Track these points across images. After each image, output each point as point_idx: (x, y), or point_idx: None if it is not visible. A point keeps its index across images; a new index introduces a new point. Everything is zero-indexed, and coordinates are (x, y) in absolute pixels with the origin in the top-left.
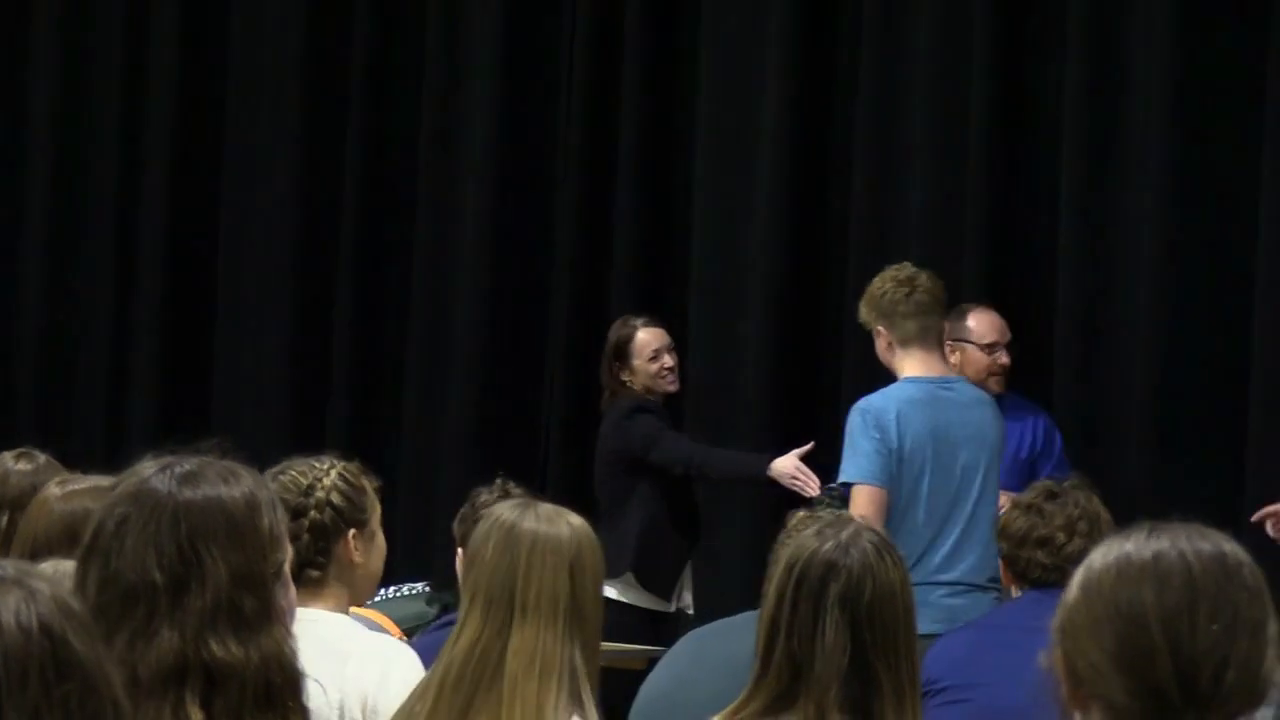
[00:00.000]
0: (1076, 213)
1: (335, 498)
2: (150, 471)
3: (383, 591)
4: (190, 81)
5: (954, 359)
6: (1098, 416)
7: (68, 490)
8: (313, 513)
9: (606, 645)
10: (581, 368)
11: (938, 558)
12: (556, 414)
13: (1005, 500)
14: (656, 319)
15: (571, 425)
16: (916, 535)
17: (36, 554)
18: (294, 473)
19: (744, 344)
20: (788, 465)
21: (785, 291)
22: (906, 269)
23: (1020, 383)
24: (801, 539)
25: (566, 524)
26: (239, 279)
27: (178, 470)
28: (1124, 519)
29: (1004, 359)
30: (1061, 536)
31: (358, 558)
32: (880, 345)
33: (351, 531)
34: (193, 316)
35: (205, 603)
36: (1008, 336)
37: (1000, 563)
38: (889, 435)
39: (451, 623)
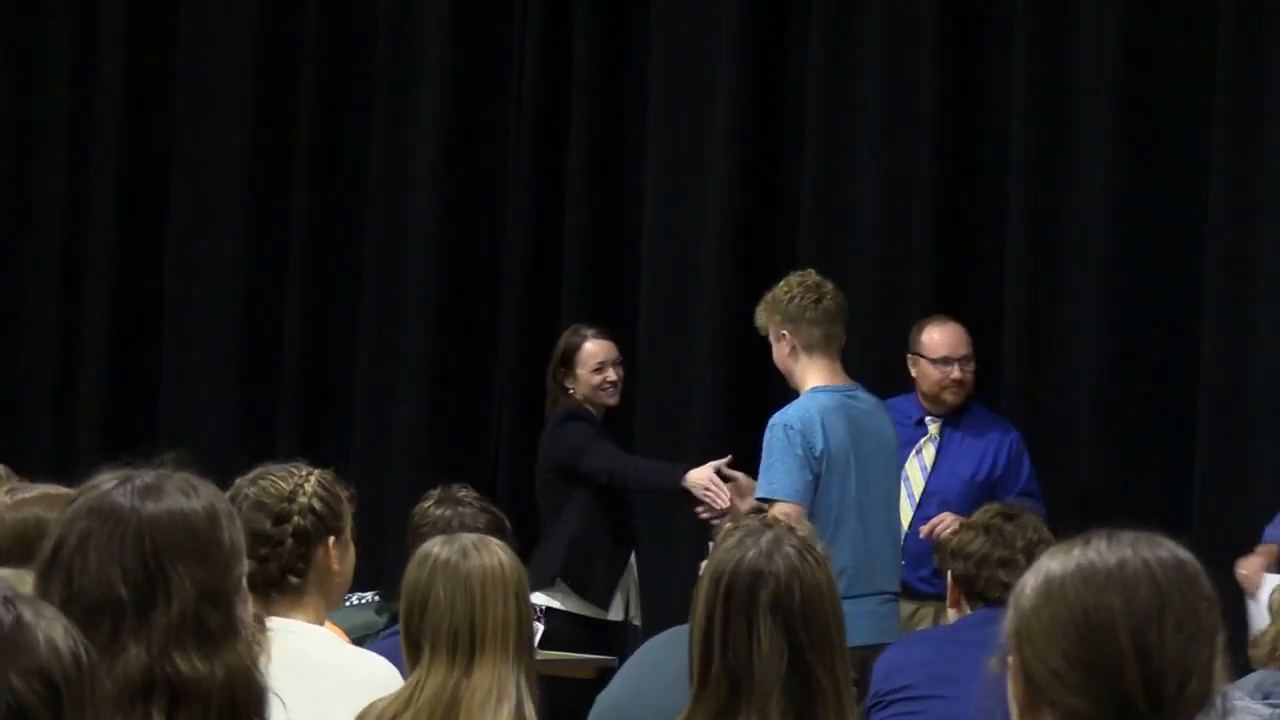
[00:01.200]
0: (1025, 224)
1: (316, 504)
2: (110, 485)
3: None
4: (137, 92)
5: (912, 371)
6: (1047, 423)
7: (17, 499)
8: (296, 518)
9: (552, 655)
10: (530, 377)
11: (870, 567)
12: (506, 422)
13: (951, 520)
14: (606, 332)
15: (521, 433)
16: (854, 545)
17: None
18: (274, 478)
19: (693, 359)
20: (701, 477)
21: (735, 307)
22: (812, 276)
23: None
24: (723, 551)
25: (499, 552)
26: (187, 288)
27: (138, 483)
28: (1076, 522)
29: (956, 374)
30: (1022, 559)
31: (335, 565)
32: (781, 351)
33: (331, 538)
34: (140, 327)
35: (171, 618)
36: (962, 351)
37: (949, 581)
38: (815, 448)
39: (399, 632)
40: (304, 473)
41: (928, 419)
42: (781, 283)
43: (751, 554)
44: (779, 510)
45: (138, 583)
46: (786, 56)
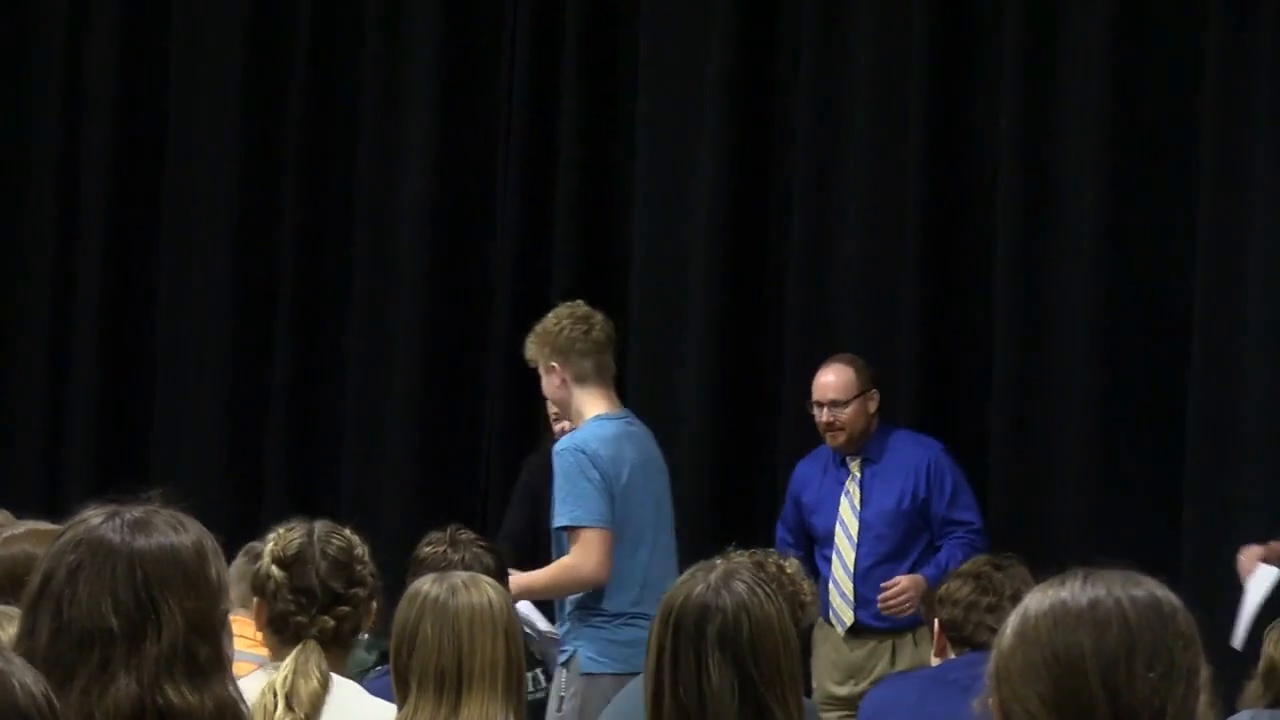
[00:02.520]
0: (1012, 254)
1: (373, 565)
2: (98, 520)
3: None
4: (128, 129)
5: None
6: (1036, 453)
7: (5, 535)
8: (370, 580)
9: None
10: (519, 411)
11: (665, 585)
12: (496, 455)
13: (904, 586)
14: None
15: (511, 463)
16: (652, 564)
17: None
18: (340, 537)
19: (683, 392)
20: None
21: (725, 340)
22: (581, 307)
23: (957, 419)
24: (672, 589)
25: (489, 590)
26: (176, 321)
27: (126, 518)
28: (1064, 553)
29: (823, 417)
30: (1009, 606)
31: (365, 626)
32: (552, 383)
33: (375, 601)
34: (129, 360)
35: (162, 649)
36: (829, 395)
37: (936, 628)
38: (609, 474)
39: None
40: (347, 531)
41: (848, 459)
42: (550, 314)
43: (699, 588)
44: (589, 544)
45: (129, 613)
46: (774, 92)
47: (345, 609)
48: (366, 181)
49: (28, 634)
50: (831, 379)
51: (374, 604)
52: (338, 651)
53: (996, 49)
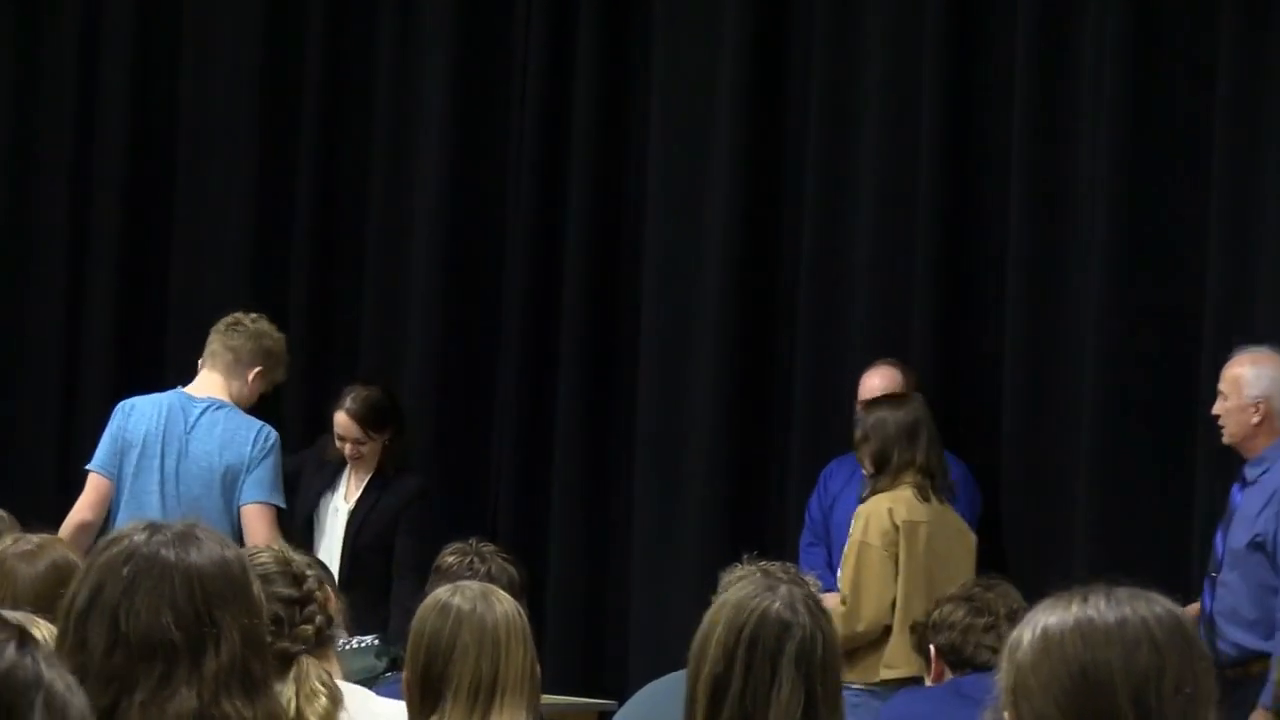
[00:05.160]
0: (1024, 264)
1: (304, 560)
2: (143, 535)
3: (338, 644)
4: (139, 151)
5: None
6: (1045, 462)
7: (24, 549)
8: (308, 571)
9: (556, 699)
10: (530, 430)
11: None
12: (507, 473)
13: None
14: (369, 401)
15: (524, 473)
16: None
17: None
18: (264, 554)
19: (692, 406)
20: None
21: (735, 345)
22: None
23: (966, 434)
24: (740, 599)
25: (509, 602)
26: (190, 335)
27: (169, 533)
28: (1073, 568)
29: None
30: (1006, 625)
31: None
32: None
33: (329, 588)
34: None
35: (221, 664)
36: (875, 398)
37: (932, 654)
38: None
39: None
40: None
41: None
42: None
43: (776, 605)
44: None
45: (189, 627)
46: (786, 103)
47: (311, 608)
48: (379, 197)
49: (78, 646)
50: (877, 381)
51: (330, 590)
52: (323, 652)
53: (1008, 60)
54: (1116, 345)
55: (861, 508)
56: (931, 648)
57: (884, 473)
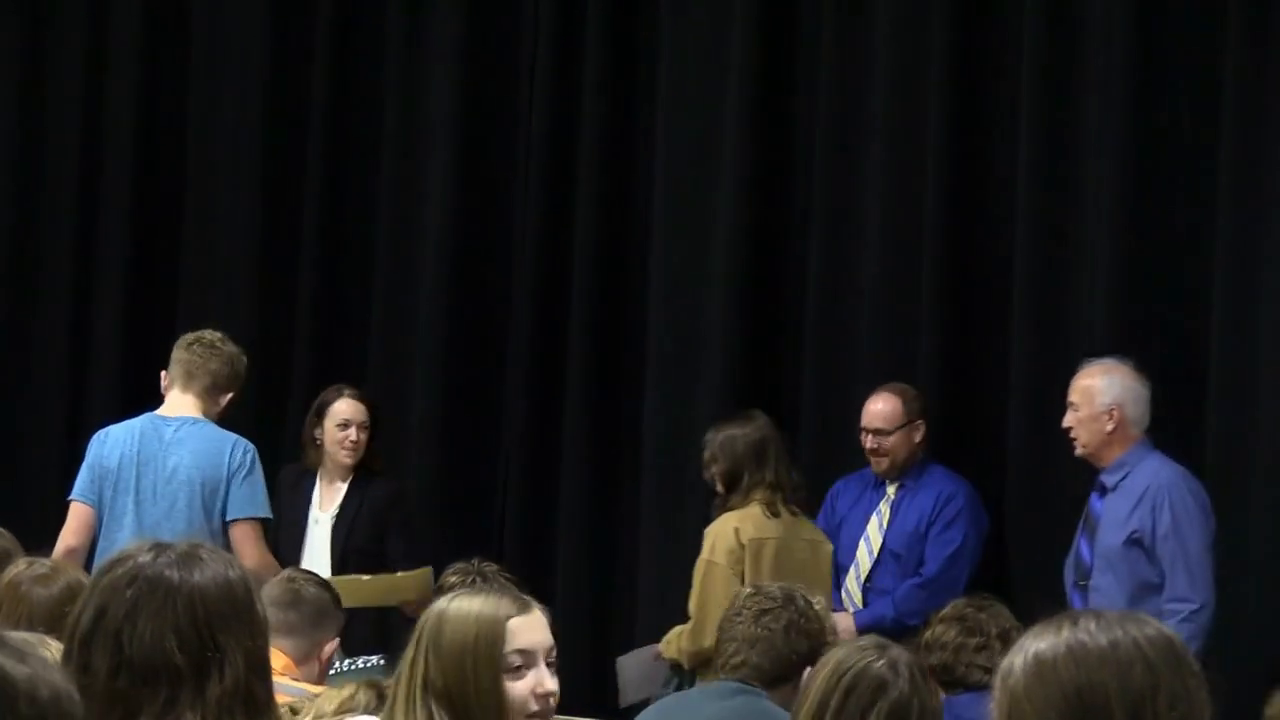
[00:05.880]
0: (1030, 282)
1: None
2: (147, 556)
3: (337, 664)
4: (147, 165)
5: None
6: (1051, 479)
7: (39, 573)
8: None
9: (563, 719)
10: (536, 442)
11: None
12: (513, 487)
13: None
14: (363, 394)
15: (529, 486)
16: None
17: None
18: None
19: (698, 426)
20: None
21: (742, 364)
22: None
23: (972, 455)
24: (850, 649)
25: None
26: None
27: (173, 553)
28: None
29: (868, 443)
30: (998, 645)
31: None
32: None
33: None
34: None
35: (225, 688)
36: (876, 424)
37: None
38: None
39: None
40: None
41: (887, 483)
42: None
43: (880, 664)
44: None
45: (192, 651)
46: (793, 122)
47: None
48: (386, 223)
49: (81, 669)
50: (879, 407)
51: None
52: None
53: (1014, 78)
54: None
55: (710, 527)
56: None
57: (735, 491)
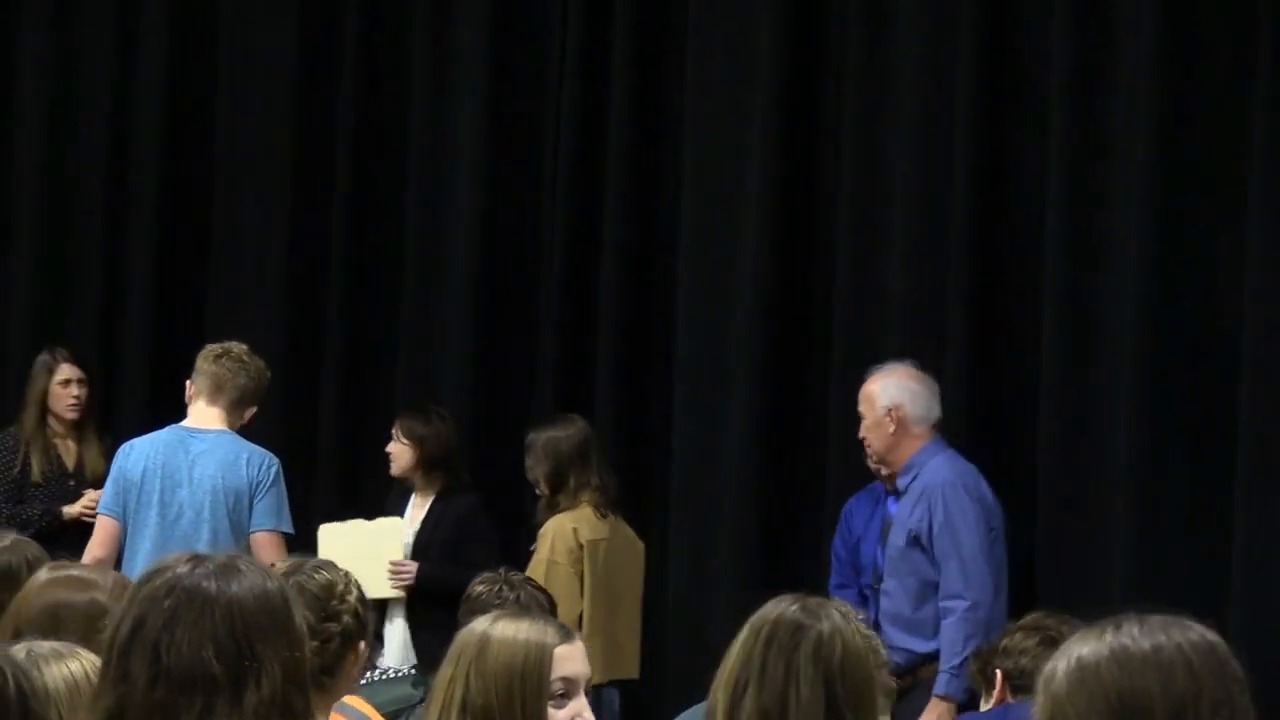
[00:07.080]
0: (1060, 290)
1: (360, 606)
2: (185, 567)
3: (367, 675)
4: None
5: None
6: (1081, 485)
7: (44, 579)
8: (345, 617)
9: None
10: None
11: None
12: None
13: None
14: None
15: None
16: None
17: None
18: (325, 574)
19: (726, 436)
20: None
21: (769, 370)
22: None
23: (1003, 452)
24: (765, 608)
25: None
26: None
27: (211, 565)
28: (1113, 591)
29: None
30: None
31: (353, 670)
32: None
33: (361, 642)
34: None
35: (262, 698)
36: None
37: (999, 677)
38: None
39: None
40: (342, 572)
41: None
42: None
43: (795, 609)
44: None
45: (230, 661)
46: (819, 129)
47: (314, 644)
48: (414, 229)
49: (120, 678)
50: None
51: (361, 645)
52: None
53: (1042, 86)
54: (1154, 369)
55: (546, 527)
56: (998, 672)
57: (562, 493)
